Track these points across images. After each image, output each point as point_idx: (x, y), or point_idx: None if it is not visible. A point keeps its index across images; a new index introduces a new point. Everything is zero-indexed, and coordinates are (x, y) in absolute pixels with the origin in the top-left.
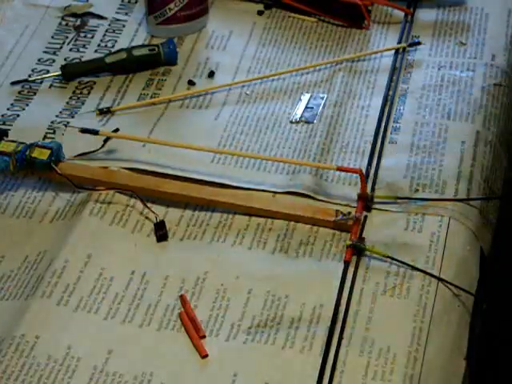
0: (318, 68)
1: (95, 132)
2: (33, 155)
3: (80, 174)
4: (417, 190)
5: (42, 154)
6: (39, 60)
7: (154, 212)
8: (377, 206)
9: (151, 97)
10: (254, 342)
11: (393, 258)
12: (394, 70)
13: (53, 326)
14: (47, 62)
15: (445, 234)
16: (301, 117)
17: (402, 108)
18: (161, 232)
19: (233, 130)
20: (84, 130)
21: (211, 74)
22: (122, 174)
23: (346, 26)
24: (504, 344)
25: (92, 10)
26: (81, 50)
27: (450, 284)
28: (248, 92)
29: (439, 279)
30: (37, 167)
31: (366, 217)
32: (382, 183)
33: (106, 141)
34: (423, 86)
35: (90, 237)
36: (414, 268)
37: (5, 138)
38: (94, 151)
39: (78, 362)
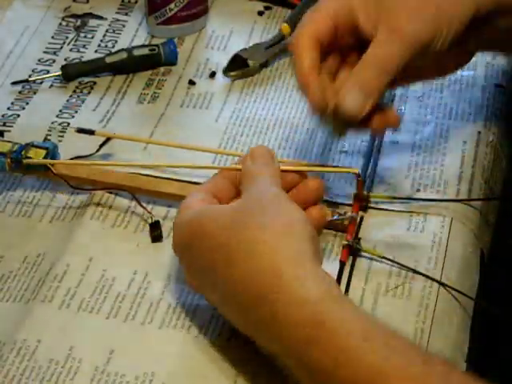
0: None
1: (91, 132)
2: (28, 155)
3: (76, 175)
4: (418, 190)
5: (37, 154)
6: (39, 60)
7: (149, 212)
8: (378, 206)
9: (151, 97)
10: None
11: (389, 259)
12: None
13: (54, 329)
14: (47, 62)
15: (447, 234)
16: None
17: (403, 107)
18: (155, 233)
19: (233, 131)
20: (80, 130)
21: (212, 75)
22: (119, 175)
23: None
24: (504, 344)
25: (92, 10)
26: (81, 50)
27: (451, 288)
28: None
29: (440, 283)
30: (32, 167)
31: (363, 217)
32: (383, 183)
33: (101, 145)
34: (424, 85)
35: (91, 240)
36: (409, 268)
37: (0, 138)
38: (89, 155)
39: (79, 363)
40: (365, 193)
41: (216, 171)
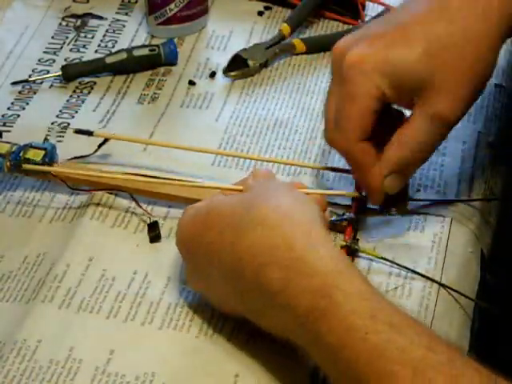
0: (318, 68)
1: (89, 133)
2: (26, 156)
3: (75, 176)
4: (418, 190)
5: (35, 155)
6: (39, 60)
7: (148, 212)
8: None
9: (151, 97)
10: (256, 342)
11: (387, 260)
12: None
13: (54, 329)
14: (47, 63)
15: (447, 235)
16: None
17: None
18: (153, 233)
19: (233, 131)
20: (78, 131)
21: (212, 75)
22: (118, 177)
23: (343, 22)
24: (504, 344)
25: (92, 10)
26: (81, 50)
27: (451, 289)
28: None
29: (439, 284)
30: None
31: (361, 218)
32: None
33: (100, 145)
34: None
35: (91, 240)
36: (408, 269)
37: None
38: (87, 155)
39: (79, 363)
40: (363, 194)
41: (217, 191)
